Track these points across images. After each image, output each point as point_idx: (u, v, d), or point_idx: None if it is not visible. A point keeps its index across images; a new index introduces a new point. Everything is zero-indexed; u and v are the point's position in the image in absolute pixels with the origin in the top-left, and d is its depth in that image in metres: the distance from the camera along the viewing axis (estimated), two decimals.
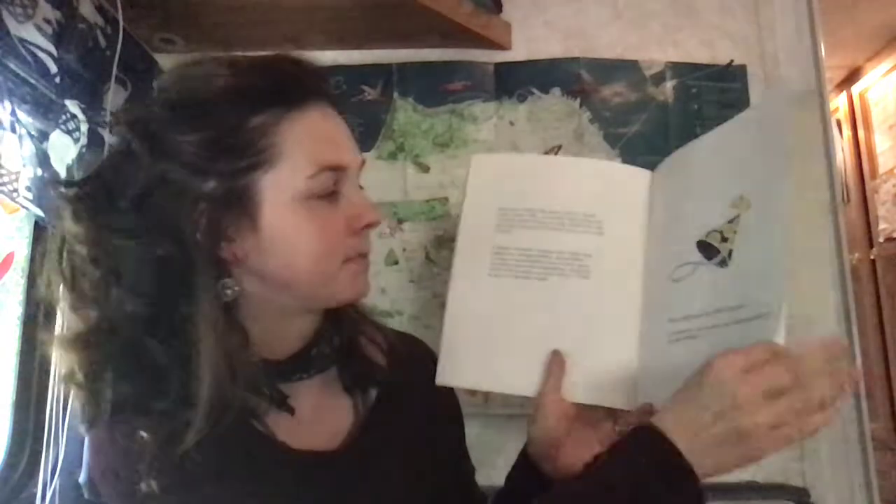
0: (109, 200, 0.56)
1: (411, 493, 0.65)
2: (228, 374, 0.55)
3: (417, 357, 0.78)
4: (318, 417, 0.65)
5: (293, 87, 0.60)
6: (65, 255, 0.57)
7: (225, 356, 0.55)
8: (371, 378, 0.69)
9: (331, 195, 0.60)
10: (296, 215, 0.58)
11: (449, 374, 0.74)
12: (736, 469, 0.53)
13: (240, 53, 0.64)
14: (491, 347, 0.74)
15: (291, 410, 0.62)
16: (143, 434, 0.55)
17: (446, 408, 0.78)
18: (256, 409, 0.59)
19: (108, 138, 1.02)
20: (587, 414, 0.70)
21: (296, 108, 0.59)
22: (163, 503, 0.55)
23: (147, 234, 0.55)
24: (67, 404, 1.00)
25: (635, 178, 0.78)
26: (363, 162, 0.65)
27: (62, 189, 0.58)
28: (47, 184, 0.88)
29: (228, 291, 0.57)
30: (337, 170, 0.60)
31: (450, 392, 0.78)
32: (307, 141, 0.59)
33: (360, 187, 0.65)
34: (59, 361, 0.58)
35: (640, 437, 0.55)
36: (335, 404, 0.67)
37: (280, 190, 0.57)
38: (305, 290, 0.60)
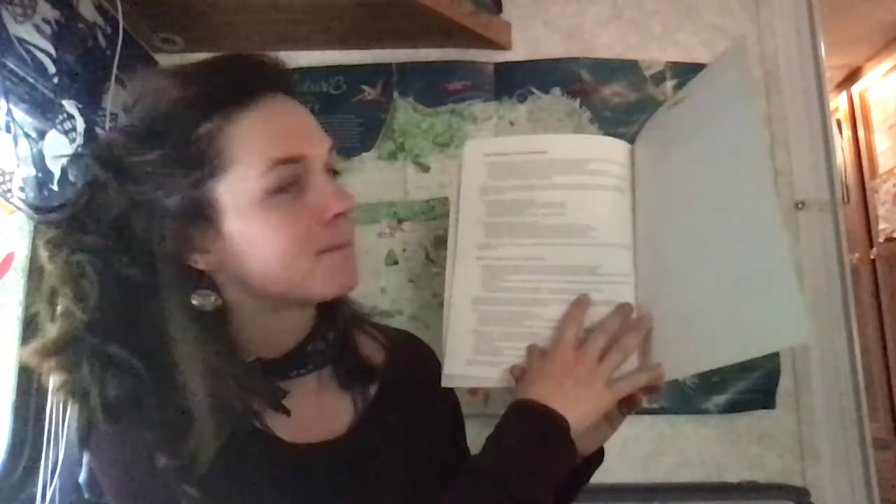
0: (83, 229, 0.57)
1: (409, 487, 0.65)
2: (218, 382, 0.56)
3: (417, 354, 0.78)
4: (318, 413, 0.65)
5: (238, 86, 0.59)
6: (45, 275, 0.59)
7: (207, 365, 0.56)
8: (367, 374, 0.69)
9: (293, 189, 0.58)
10: (257, 216, 0.57)
11: (453, 370, 0.74)
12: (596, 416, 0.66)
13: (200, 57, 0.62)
14: (492, 342, 0.74)
15: (287, 412, 0.62)
16: (156, 453, 0.56)
17: (446, 404, 0.78)
18: (255, 408, 0.60)
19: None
20: None
21: (243, 107, 0.58)
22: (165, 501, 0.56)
23: (119, 257, 0.57)
24: (67, 404, 1.00)
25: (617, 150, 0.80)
26: (332, 147, 0.62)
27: (37, 216, 0.59)
28: (29, 213, 0.87)
29: (208, 301, 0.58)
30: (291, 162, 0.58)
31: (449, 389, 0.78)
32: (255, 139, 0.58)
33: (337, 172, 0.63)
34: (45, 372, 0.59)
35: (520, 408, 0.64)
36: (334, 401, 0.68)
37: (236, 194, 0.57)
38: (284, 289, 0.60)
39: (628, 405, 0.72)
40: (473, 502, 0.59)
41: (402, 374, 0.72)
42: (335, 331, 0.68)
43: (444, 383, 0.75)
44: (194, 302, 0.57)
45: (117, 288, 0.56)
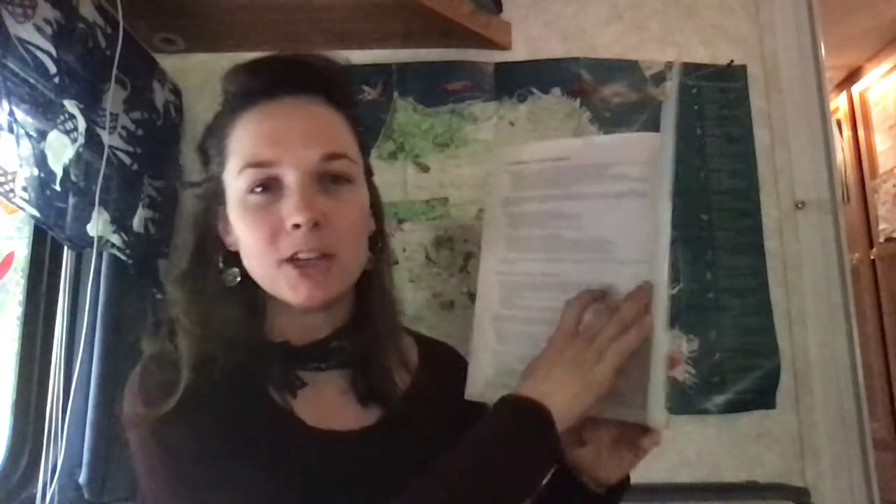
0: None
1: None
2: (209, 335, 0.60)
3: (448, 366, 0.77)
4: (341, 406, 0.66)
5: (256, 86, 0.61)
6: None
7: (202, 317, 0.60)
8: (384, 396, 0.68)
9: (269, 192, 0.59)
10: (239, 211, 0.61)
11: (474, 389, 0.73)
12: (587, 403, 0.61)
13: (245, 54, 0.66)
14: (511, 364, 0.71)
15: (294, 390, 0.62)
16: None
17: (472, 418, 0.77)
18: (266, 380, 0.62)
19: (107, 139, 1.02)
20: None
21: (248, 106, 0.61)
22: (184, 479, 0.56)
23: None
24: (67, 404, 1.00)
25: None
26: (329, 155, 0.61)
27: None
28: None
29: (229, 278, 0.63)
30: (262, 166, 0.59)
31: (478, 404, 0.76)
32: (244, 139, 0.61)
33: (337, 177, 0.62)
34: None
35: (498, 403, 0.62)
36: (355, 405, 0.67)
37: (230, 187, 0.62)
38: (265, 286, 0.62)
39: (631, 446, 0.68)
40: (438, 499, 0.56)
41: (432, 384, 0.72)
42: (363, 337, 0.67)
43: (466, 396, 0.73)
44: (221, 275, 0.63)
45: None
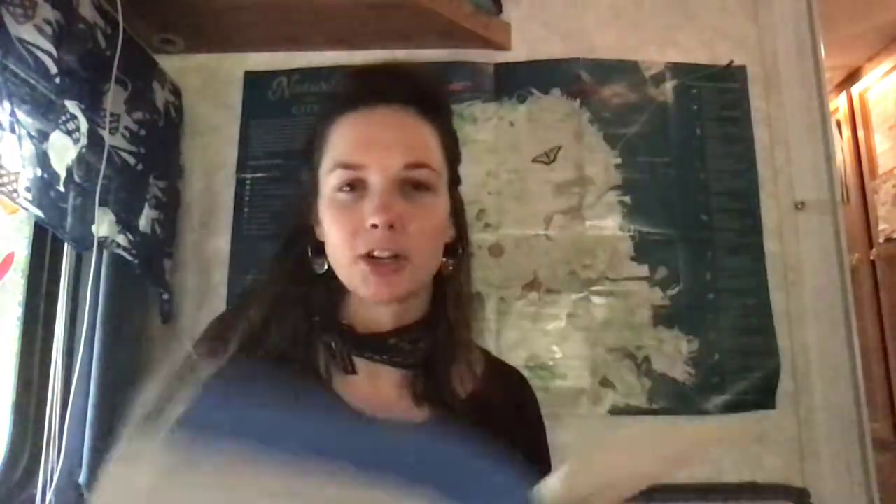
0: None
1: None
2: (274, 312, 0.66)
3: (511, 386, 0.77)
4: (394, 399, 0.67)
5: (359, 93, 0.67)
6: None
7: (278, 299, 0.67)
8: (440, 399, 0.68)
9: (355, 193, 0.64)
10: (326, 205, 0.65)
11: None
12: None
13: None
14: None
15: (344, 369, 0.66)
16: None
17: (527, 433, 0.75)
18: (317, 359, 0.66)
19: (107, 138, 1.02)
20: None
21: (347, 112, 0.66)
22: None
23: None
24: (67, 404, 1.00)
25: None
26: (412, 164, 0.64)
27: None
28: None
29: (318, 265, 0.68)
30: (350, 168, 0.64)
31: (533, 422, 0.76)
32: (339, 141, 0.66)
33: (418, 185, 0.65)
34: None
35: None
36: (410, 404, 0.68)
37: (322, 183, 0.66)
38: (343, 279, 0.66)
39: None
40: None
41: (489, 398, 0.71)
42: (428, 339, 0.69)
43: None
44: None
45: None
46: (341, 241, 0.64)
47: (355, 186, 0.64)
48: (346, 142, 0.65)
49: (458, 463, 0.63)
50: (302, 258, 0.69)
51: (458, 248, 0.73)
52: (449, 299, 0.71)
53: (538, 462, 0.75)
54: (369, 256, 0.63)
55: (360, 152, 0.64)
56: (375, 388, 0.67)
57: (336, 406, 0.65)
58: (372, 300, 0.65)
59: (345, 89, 0.69)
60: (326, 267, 0.67)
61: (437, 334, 0.69)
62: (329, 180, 0.65)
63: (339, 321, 0.68)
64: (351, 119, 0.66)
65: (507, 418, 0.71)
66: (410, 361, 0.68)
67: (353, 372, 0.66)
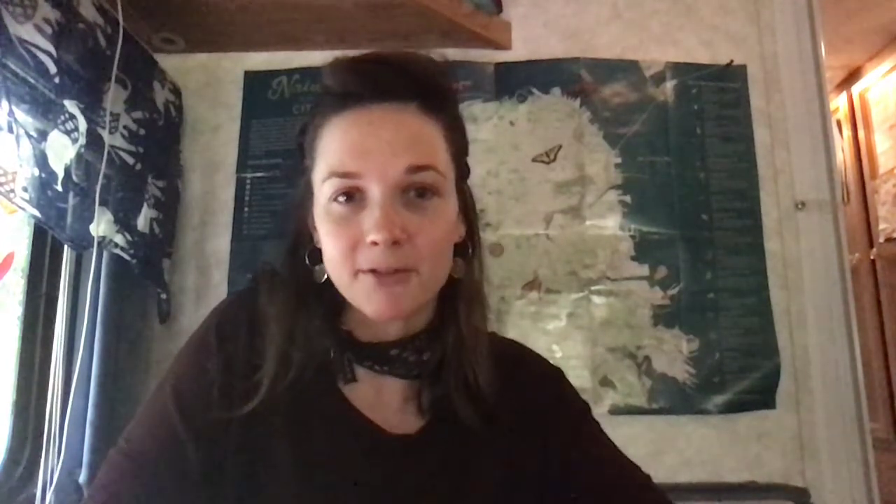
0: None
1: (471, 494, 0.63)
2: (292, 331, 0.61)
3: (526, 387, 0.70)
4: (398, 410, 0.64)
5: (351, 88, 0.59)
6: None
7: (291, 313, 0.62)
8: (446, 409, 0.64)
9: (353, 202, 0.57)
10: (321, 215, 0.60)
11: None
12: None
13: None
14: None
15: (344, 377, 0.63)
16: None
17: (545, 418, 0.69)
18: (328, 366, 0.63)
19: (107, 138, 1.02)
20: None
21: (339, 111, 0.59)
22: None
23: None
24: (67, 404, 1.00)
25: None
26: (415, 167, 0.58)
27: None
28: None
29: (318, 274, 0.63)
30: (345, 177, 0.57)
31: (572, 427, 0.69)
32: (332, 145, 0.59)
33: (423, 189, 0.58)
34: None
35: None
36: (411, 414, 0.65)
37: (316, 189, 0.60)
38: (342, 293, 0.61)
39: None
40: None
41: (500, 408, 0.66)
42: (435, 349, 0.64)
43: None
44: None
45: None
46: (340, 257, 0.58)
47: (352, 196, 0.57)
48: (339, 147, 0.58)
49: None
50: (306, 268, 0.64)
51: (468, 245, 0.66)
52: (461, 302, 0.65)
53: (583, 461, 0.67)
54: (368, 272, 0.57)
55: (355, 159, 0.57)
56: (379, 397, 0.64)
57: (344, 417, 0.62)
58: (378, 320, 0.59)
59: (336, 84, 0.60)
60: (326, 276, 0.61)
61: (446, 343, 0.64)
62: (323, 189, 0.58)
63: (338, 327, 0.63)
64: (343, 120, 0.59)
65: (527, 426, 0.66)
66: (415, 373, 0.64)
67: (353, 380, 0.63)
